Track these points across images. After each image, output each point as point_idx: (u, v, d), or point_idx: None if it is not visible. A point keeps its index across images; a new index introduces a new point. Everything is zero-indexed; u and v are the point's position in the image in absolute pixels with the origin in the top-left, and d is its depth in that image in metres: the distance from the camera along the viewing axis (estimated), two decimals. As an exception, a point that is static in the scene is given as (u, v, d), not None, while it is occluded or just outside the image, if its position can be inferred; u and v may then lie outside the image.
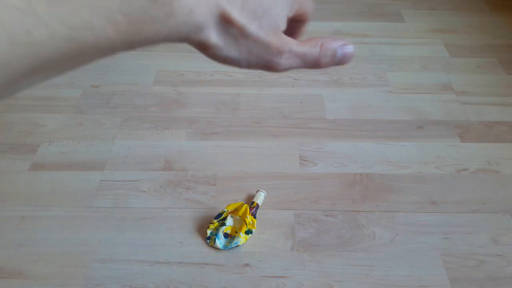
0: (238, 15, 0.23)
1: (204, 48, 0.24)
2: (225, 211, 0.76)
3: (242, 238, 0.71)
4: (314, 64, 0.27)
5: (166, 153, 0.90)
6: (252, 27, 0.24)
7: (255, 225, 0.74)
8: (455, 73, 1.12)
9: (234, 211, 0.75)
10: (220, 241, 0.72)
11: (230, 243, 0.71)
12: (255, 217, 0.74)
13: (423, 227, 0.76)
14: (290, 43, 0.26)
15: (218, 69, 1.12)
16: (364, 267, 0.71)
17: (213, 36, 0.23)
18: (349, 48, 0.27)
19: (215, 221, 0.75)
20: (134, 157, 0.89)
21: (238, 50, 0.24)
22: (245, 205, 0.75)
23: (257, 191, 0.79)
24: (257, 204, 0.76)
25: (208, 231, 0.74)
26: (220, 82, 1.08)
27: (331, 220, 0.77)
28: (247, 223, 0.72)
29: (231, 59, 0.25)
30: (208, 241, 0.73)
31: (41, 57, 0.16)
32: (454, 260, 0.71)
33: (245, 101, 1.03)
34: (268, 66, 0.26)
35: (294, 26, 0.29)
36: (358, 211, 0.79)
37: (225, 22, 0.23)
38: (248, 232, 0.72)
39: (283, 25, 0.26)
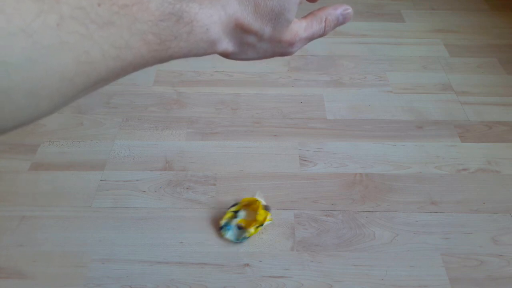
0: (253, 22, 0.26)
1: (224, 55, 0.27)
2: (238, 203, 0.76)
3: (253, 229, 0.72)
4: (321, 36, 0.30)
5: (166, 153, 0.90)
6: (266, 31, 0.26)
7: (269, 218, 0.74)
8: (455, 73, 1.12)
9: (248, 205, 0.75)
10: (232, 233, 0.73)
11: (242, 236, 0.72)
12: (268, 211, 0.75)
13: (423, 227, 0.76)
14: (300, 32, 0.29)
15: (218, 69, 1.12)
16: (364, 267, 0.71)
17: (230, 47, 0.26)
18: (349, 11, 0.30)
19: (231, 210, 0.75)
20: (134, 157, 0.89)
21: (255, 52, 0.28)
22: (259, 200, 0.75)
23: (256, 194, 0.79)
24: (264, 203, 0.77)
25: (223, 221, 0.74)
26: (220, 82, 1.08)
27: (331, 220, 0.77)
28: (260, 218, 0.73)
29: (250, 59, 0.29)
30: (221, 230, 0.73)
31: (95, 73, 0.19)
32: (454, 260, 0.71)
33: (245, 101, 1.03)
34: (282, 54, 0.29)
35: None
36: (358, 211, 0.79)
37: (243, 31, 0.26)
38: (261, 225, 0.73)
39: (293, 17, 0.28)
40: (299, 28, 0.28)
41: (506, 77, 1.11)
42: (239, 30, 0.26)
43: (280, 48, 0.28)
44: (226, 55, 0.27)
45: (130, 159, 0.88)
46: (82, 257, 0.71)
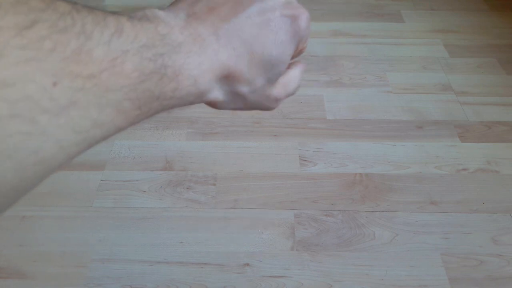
0: (247, 71, 0.23)
1: (211, 104, 0.25)
2: None
3: None
4: (293, 94, 0.29)
5: (166, 153, 0.90)
6: (259, 82, 0.24)
7: None
8: (455, 73, 1.12)
9: None
10: None
11: None
12: None
13: (423, 227, 0.76)
14: (286, 87, 0.28)
15: (218, 69, 1.12)
16: (364, 267, 0.71)
17: (220, 96, 0.24)
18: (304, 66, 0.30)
19: None
20: (134, 157, 0.89)
21: (243, 103, 0.25)
22: None
23: None
24: None
25: None
26: (220, 82, 1.08)
27: (331, 220, 0.77)
28: None
29: (237, 109, 0.26)
30: None
31: (50, 168, 0.16)
32: (454, 260, 0.71)
33: (245, 101, 1.03)
34: (266, 109, 0.28)
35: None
36: (358, 211, 0.79)
37: (235, 80, 0.23)
38: None
39: (284, 70, 0.27)
40: (283, 82, 0.27)
41: (506, 77, 1.11)
42: (231, 79, 0.23)
43: (267, 102, 0.27)
44: (213, 104, 0.24)
45: (130, 159, 0.88)
46: (82, 257, 0.71)
